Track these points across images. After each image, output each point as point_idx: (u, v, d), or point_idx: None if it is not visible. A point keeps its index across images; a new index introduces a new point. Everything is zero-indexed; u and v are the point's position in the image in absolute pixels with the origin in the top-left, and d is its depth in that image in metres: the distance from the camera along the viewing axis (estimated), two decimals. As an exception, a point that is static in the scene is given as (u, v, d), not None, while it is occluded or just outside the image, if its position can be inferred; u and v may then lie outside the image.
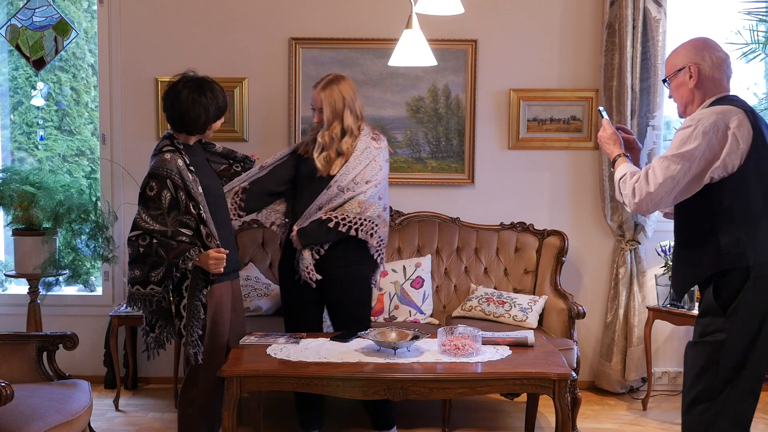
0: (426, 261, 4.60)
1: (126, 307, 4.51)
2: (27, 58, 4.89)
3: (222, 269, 3.23)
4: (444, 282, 4.69)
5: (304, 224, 3.61)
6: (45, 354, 3.43)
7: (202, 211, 3.22)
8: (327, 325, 3.94)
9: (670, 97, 2.89)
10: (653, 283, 4.65)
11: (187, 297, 3.20)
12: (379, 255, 3.73)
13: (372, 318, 4.01)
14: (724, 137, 2.56)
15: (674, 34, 4.72)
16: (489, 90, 4.80)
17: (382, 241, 3.72)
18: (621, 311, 4.74)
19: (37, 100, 5.17)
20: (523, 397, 4.12)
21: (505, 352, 3.34)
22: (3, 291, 5.07)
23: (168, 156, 3.22)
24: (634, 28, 4.56)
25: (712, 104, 2.69)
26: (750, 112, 2.63)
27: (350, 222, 3.57)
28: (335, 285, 3.67)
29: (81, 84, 5.18)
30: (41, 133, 5.18)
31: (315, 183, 3.65)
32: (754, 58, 4.58)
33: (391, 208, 4.57)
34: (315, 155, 3.64)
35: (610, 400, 4.71)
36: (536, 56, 4.80)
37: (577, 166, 4.85)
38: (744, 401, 2.65)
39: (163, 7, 4.78)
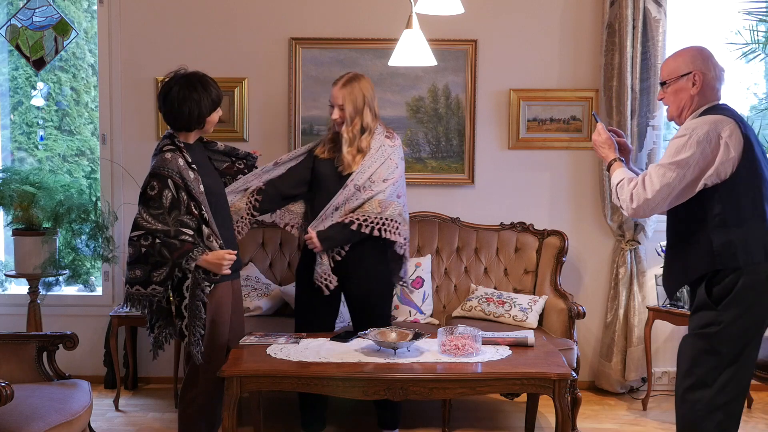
0: (426, 261, 4.60)
1: (126, 307, 4.51)
2: (27, 58, 4.89)
3: (229, 270, 3.24)
4: (444, 282, 4.69)
5: (319, 226, 3.61)
6: (45, 354, 3.43)
7: (203, 211, 3.22)
8: (343, 320, 3.96)
9: (660, 98, 2.99)
10: (653, 283, 4.66)
11: (189, 297, 3.20)
12: (405, 251, 3.74)
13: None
14: (716, 146, 2.72)
15: (674, 34, 4.72)
16: (489, 90, 4.80)
17: (405, 239, 3.73)
18: (621, 311, 4.74)
19: (37, 100, 5.17)
20: (523, 397, 4.12)
21: (505, 352, 3.34)
22: (3, 291, 5.07)
23: (169, 155, 3.22)
24: (634, 28, 4.56)
25: (705, 113, 2.83)
26: (740, 122, 2.78)
27: (372, 222, 3.58)
28: (357, 285, 3.70)
29: (81, 84, 5.18)
30: (41, 133, 5.18)
31: (332, 183, 3.66)
32: (754, 58, 4.58)
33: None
34: (345, 149, 3.64)
35: (610, 400, 4.71)
36: (536, 56, 4.80)
37: (577, 166, 4.85)
38: (736, 392, 2.79)
39: (163, 7, 4.78)
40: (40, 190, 4.45)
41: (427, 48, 3.65)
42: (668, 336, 4.85)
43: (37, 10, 4.85)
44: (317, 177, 3.75)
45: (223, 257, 3.21)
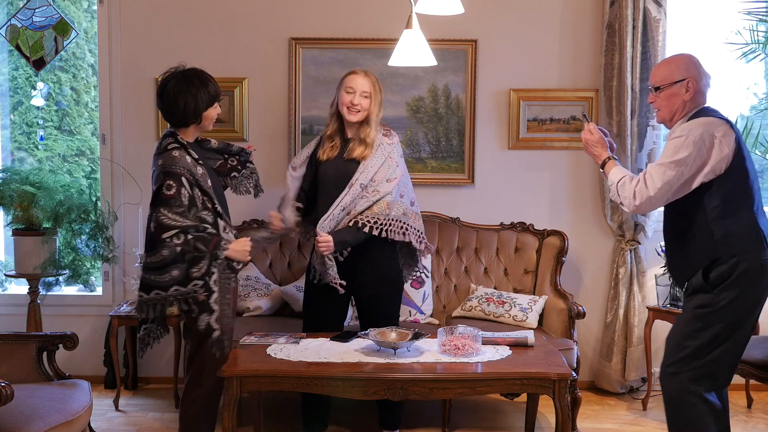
0: (426, 261, 4.60)
1: (126, 307, 4.52)
2: (27, 58, 4.89)
3: (250, 257, 3.31)
4: (444, 282, 4.69)
5: (326, 227, 3.59)
6: (45, 354, 3.43)
7: (217, 205, 3.26)
8: (351, 317, 3.96)
9: (651, 102, 3.20)
10: (653, 283, 4.66)
11: (218, 290, 3.21)
12: (425, 245, 3.77)
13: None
14: (711, 145, 2.96)
15: (674, 34, 4.72)
16: (489, 90, 4.80)
17: (419, 232, 3.75)
18: (621, 311, 4.74)
19: (37, 100, 5.17)
20: (523, 397, 4.12)
21: (505, 352, 3.34)
22: (3, 291, 5.07)
23: (176, 153, 3.22)
24: (634, 28, 4.56)
25: (695, 115, 3.07)
26: (730, 123, 3.04)
27: (381, 224, 3.59)
28: (368, 286, 3.71)
29: (81, 84, 5.19)
30: (41, 133, 5.18)
31: (336, 183, 3.66)
32: (754, 58, 4.58)
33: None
34: (368, 133, 3.65)
35: (610, 400, 4.71)
36: (536, 56, 4.80)
37: (577, 166, 4.85)
38: (722, 367, 3.05)
39: (163, 7, 4.78)
40: (40, 190, 4.45)
41: (427, 48, 3.65)
42: (668, 336, 4.85)
43: (37, 10, 4.85)
44: (321, 179, 3.75)
45: (245, 244, 3.28)
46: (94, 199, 4.61)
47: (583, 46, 4.79)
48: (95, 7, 4.87)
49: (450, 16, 3.61)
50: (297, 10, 4.77)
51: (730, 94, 4.97)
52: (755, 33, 4.51)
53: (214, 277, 3.19)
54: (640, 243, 4.74)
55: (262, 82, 4.80)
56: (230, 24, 4.78)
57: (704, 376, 3.02)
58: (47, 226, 4.51)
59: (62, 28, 4.86)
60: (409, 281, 4.05)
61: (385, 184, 3.63)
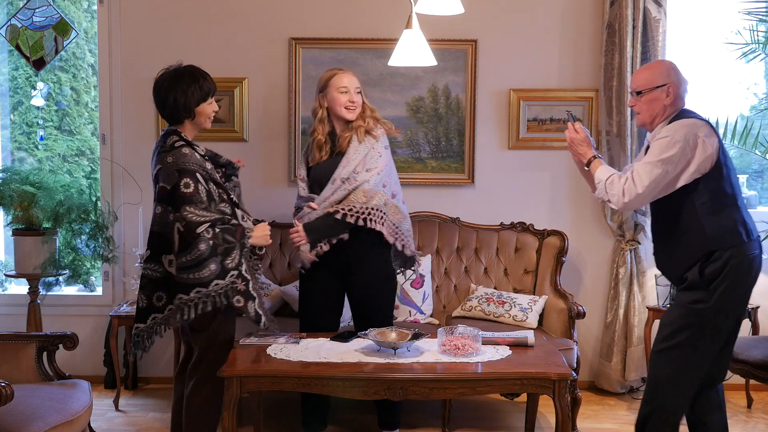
0: (426, 261, 4.60)
1: (126, 307, 4.51)
2: (27, 58, 4.89)
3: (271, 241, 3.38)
4: (444, 282, 4.69)
5: (305, 220, 3.62)
6: (45, 354, 3.43)
7: (232, 195, 3.29)
8: (344, 320, 3.95)
9: (632, 106, 3.32)
10: (653, 283, 4.65)
11: (251, 278, 3.24)
12: (401, 243, 3.68)
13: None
14: (695, 145, 3.09)
15: (674, 34, 4.72)
16: (489, 90, 4.80)
17: (398, 228, 3.67)
18: (621, 311, 4.74)
19: (37, 100, 5.17)
20: (523, 397, 4.12)
21: (505, 352, 3.34)
22: (3, 291, 5.07)
23: (186, 150, 3.22)
24: (634, 28, 4.57)
25: (676, 118, 3.20)
26: (710, 124, 3.19)
27: (357, 212, 3.56)
28: (361, 285, 3.71)
29: (81, 84, 5.19)
30: (41, 133, 5.18)
31: (324, 184, 3.67)
32: (754, 58, 4.58)
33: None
34: (361, 127, 3.68)
35: (610, 400, 4.71)
36: (536, 56, 4.80)
37: (577, 167, 4.83)
38: (711, 358, 3.18)
39: (163, 8, 4.78)
40: (40, 190, 4.45)
41: (427, 48, 3.65)
42: (668, 336, 4.85)
43: (37, 10, 4.85)
44: (313, 182, 3.75)
45: (266, 228, 3.33)
46: (94, 199, 4.61)
47: (583, 46, 4.79)
48: (95, 7, 4.87)
49: (450, 16, 3.61)
50: (297, 10, 4.77)
51: (730, 94, 4.97)
52: (755, 33, 4.51)
53: (244, 266, 3.23)
54: (640, 243, 4.74)
55: (262, 82, 4.80)
56: (230, 24, 4.78)
57: (693, 368, 3.15)
58: (47, 226, 4.51)
59: (62, 28, 4.86)
60: (407, 280, 4.04)
61: (363, 174, 3.60)
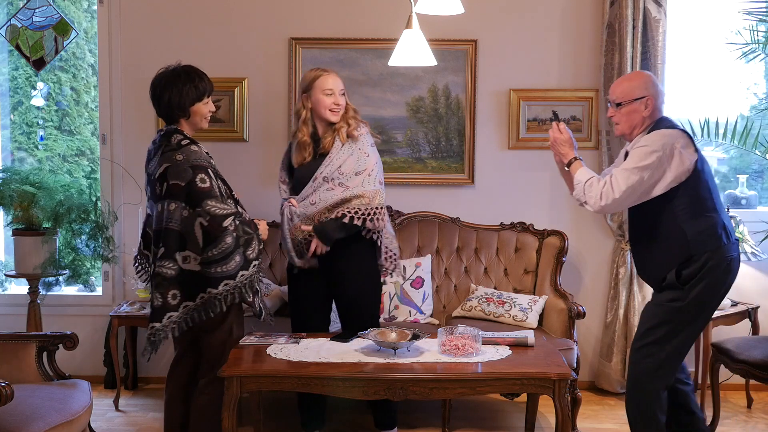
0: (426, 261, 4.60)
1: (126, 307, 4.51)
2: (27, 58, 4.89)
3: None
4: (444, 282, 4.69)
5: (306, 220, 3.61)
6: (45, 354, 3.43)
7: (234, 192, 3.32)
8: (336, 324, 3.95)
9: (611, 116, 3.42)
10: (653, 283, 4.65)
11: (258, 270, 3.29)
12: (378, 238, 3.69)
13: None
14: (671, 155, 3.20)
15: (674, 34, 4.72)
16: (489, 90, 4.80)
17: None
18: (621, 311, 4.74)
19: (37, 100, 5.17)
20: (523, 397, 4.12)
21: (505, 352, 3.34)
22: (3, 291, 5.07)
23: (195, 147, 3.24)
24: (634, 28, 4.57)
25: (654, 127, 3.31)
26: (687, 133, 3.30)
27: (364, 214, 3.59)
28: (348, 286, 3.70)
29: (81, 84, 5.19)
30: (41, 133, 5.18)
31: (305, 184, 3.68)
32: (754, 58, 4.58)
33: (390, 208, 4.57)
34: (344, 130, 3.67)
35: (610, 400, 4.71)
36: (536, 56, 4.80)
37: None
38: (682, 352, 3.35)
39: (162, 7, 4.78)
40: (40, 190, 4.45)
41: (427, 48, 3.65)
42: (668, 336, 4.85)
43: (37, 10, 4.85)
44: (297, 183, 3.75)
45: (264, 223, 3.37)
46: (94, 199, 4.61)
47: (583, 46, 4.79)
48: (95, 7, 4.87)
49: (450, 16, 3.61)
50: (297, 10, 4.77)
51: (730, 94, 4.97)
52: (755, 33, 4.51)
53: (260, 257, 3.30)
54: (640, 243, 4.74)
55: (262, 82, 4.80)
56: (230, 24, 4.78)
57: (663, 362, 3.32)
58: (47, 226, 4.51)
59: (62, 28, 4.86)
60: (407, 280, 4.04)
61: (353, 178, 3.61)
